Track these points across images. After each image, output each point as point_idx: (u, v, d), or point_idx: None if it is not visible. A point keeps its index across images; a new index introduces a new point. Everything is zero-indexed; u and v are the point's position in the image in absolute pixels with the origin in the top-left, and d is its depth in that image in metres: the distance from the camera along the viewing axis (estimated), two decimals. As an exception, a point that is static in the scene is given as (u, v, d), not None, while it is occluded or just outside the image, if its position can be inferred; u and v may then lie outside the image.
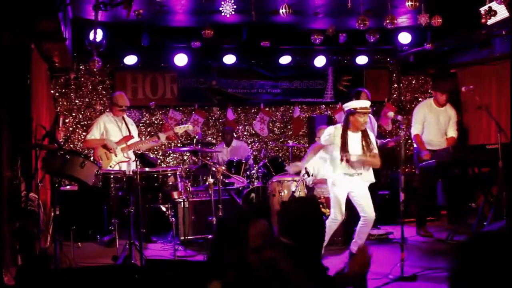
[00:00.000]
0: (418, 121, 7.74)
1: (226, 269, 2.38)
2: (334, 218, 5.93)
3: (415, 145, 7.92)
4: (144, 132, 9.57)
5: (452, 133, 7.73)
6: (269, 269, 2.38)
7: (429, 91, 10.72)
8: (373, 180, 6.05)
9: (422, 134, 7.70)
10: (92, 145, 7.23)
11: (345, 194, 5.95)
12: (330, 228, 5.86)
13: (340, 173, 5.90)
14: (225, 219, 2.68)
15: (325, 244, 5.76)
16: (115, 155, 7.04)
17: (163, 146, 9.52)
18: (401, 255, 5.35)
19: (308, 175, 6.89)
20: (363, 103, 5.92)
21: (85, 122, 9.23)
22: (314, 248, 2.96)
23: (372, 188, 6.19)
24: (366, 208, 5.85)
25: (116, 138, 7.14)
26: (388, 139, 7.97)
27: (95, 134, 7.15)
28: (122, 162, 7.05)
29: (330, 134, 5.98)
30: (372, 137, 6.12)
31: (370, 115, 7.43)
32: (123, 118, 7.31)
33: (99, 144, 7.10)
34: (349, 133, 5.87)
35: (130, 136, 7.21)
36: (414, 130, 7.75)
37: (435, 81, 10.23)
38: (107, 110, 7.50)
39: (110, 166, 6.89)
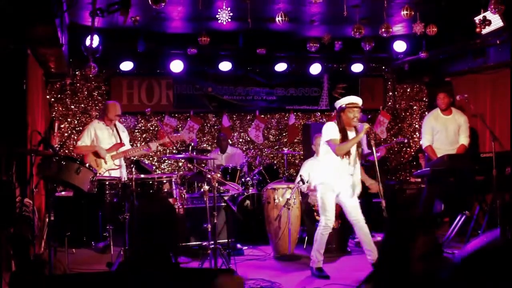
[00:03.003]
0: (427, 132, 7.93)
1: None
2: (325, 225, 5.71)
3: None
4: (139, 138, 9.58)
5: (463, 140, 7.82)
6: (432, 280, 2.29)
7: (424, 99, 10.78)
8: (360, 187, 5.89)
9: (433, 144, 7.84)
10: (82, 151, 7.17)
11: (334, 197, 5.78)
12: (324, 238, 5.72)
13: (334, 173, 5.72)
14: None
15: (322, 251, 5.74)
16: (105, 162, 7.02)
17: (158, 153, 9.51)
18: None
19: (303, 182, 6.90)
20: (353, 99, 5.84)
21: (80, 128, 9.21)
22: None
23: (366, 196, 6.17)
24: (356, 212, 5.74)
25: (106, 145, 7.11)
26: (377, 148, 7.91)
27: (85, 141, 7.11)
28: (112, 169, 7.03)
29: (334, 129, 5.77)
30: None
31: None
32: (115, 125, 7.26)
33: (90, 151, 7.06)
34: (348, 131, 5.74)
35: (121, 144, 7.17)
36: (425, 142, 7.92)
37: (431, 89, 10.32)
38: (99, 117, 7.45)
39: (100, 173, 6.81)
